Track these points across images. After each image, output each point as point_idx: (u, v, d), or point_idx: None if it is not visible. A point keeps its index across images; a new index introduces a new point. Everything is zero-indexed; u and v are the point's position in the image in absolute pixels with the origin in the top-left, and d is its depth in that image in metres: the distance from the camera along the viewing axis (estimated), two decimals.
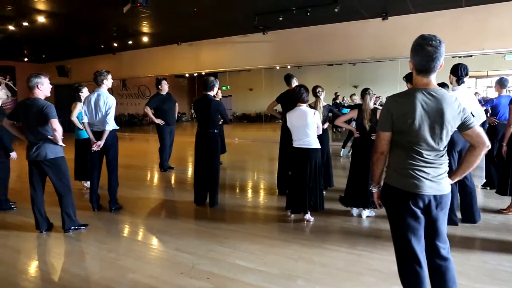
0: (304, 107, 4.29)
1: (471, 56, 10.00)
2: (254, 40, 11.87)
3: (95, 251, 3.75)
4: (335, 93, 12.30)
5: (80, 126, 5.74)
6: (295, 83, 5.49)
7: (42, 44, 13.00)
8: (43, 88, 3.90)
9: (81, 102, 5.79)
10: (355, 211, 4.56)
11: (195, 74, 14.17)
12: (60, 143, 3.90)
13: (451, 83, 4.17)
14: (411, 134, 2.06)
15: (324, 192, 4.91)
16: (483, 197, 5.22)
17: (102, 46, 13.76)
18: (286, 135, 5.05)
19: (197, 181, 5.14)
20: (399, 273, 2.29)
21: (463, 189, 4.13)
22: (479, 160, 2.15)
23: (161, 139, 7.60)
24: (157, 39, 12.76)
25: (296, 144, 4.33)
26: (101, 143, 4.65)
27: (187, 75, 14.91)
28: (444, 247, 2.22)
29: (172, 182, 7.06)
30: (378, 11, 9.39)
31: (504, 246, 3.58)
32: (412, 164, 2.09)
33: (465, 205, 4.19)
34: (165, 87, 7.54)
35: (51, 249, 3.84)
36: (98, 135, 4.72)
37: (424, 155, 2.08)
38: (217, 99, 5.85)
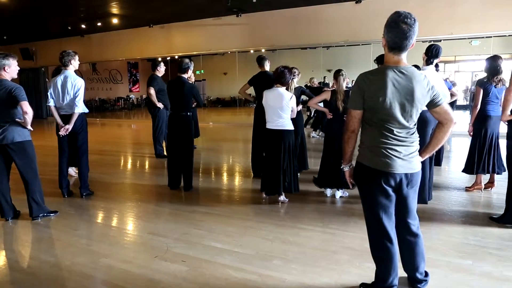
0: (282, 89, 4.25)
1: (440, 41, 10.24)
2: (227, 23, 11.67)
3: (66, 237, 3.64)
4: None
5: None
6: (267, 65, 5.46)
7: (3, 24, 12.27)
8: (10, 70, 3.74)
9: None
10: (328, 191, 4.63)
11: (168, 58, 13.85)
12: (29, 126, 3.75)
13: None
14: (382, 112, 2.07)
15: (299, 174, 4.95)
16: (450, 176, 5.42)
17: (70, 28, 13.17)
18: (260, 117, 5.04)
19: (171, 164, 5.07)
20: (371, 249, 2.35)
21: None
22: (447, 137, 2.20)
23: (157, 124, 7.09)
24: (128, 21, 12.34)
25: (270, 125, 4.32)
26: (69, 127, 4.48)
27: (159, 59, 14.58)
28: (414, 224, 2.29)
29: (146, 166, 6.93)
30: None
31: (469, 221, 3.75)
32: (384, 143, 2.11)
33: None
34: (162, 70, 7.14)
35: (19, 237, 3.70)
36: (66, 119, 4.54)
37: (395, 132, 2.10)
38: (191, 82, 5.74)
